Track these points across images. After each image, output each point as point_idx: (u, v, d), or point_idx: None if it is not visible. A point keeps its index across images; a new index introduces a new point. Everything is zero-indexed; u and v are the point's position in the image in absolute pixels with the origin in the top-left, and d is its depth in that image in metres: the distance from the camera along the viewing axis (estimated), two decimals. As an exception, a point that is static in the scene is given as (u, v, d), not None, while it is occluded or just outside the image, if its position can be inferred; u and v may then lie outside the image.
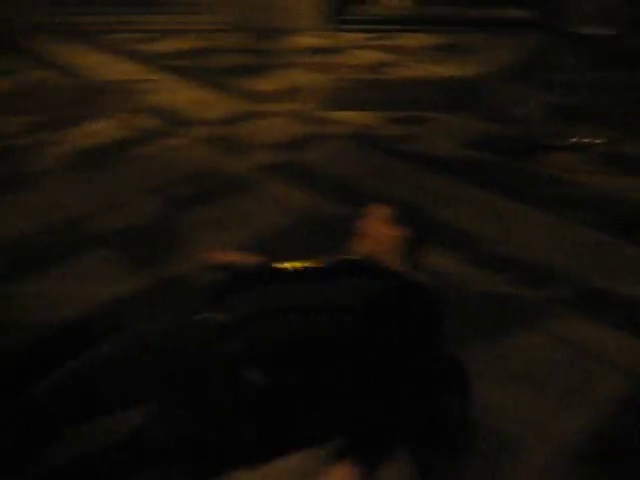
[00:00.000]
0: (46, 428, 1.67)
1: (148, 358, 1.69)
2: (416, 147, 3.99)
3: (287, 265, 1.96)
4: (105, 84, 5.27)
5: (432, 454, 1.81)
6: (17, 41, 6.57)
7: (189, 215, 3.29)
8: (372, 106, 4.65)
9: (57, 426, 1.69)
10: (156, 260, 2.91)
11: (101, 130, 4.39)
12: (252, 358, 1.67)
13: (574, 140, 3.94)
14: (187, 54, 6.02)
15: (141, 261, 2.91)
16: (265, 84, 5.14)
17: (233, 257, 2.43)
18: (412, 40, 6.24)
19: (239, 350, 1.67)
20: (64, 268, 2.88)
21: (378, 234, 2.17)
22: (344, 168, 3.74)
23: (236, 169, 3.77)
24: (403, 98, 4.80)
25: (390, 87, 5.02)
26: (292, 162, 3.83)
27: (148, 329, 1.82)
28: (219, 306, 1.82)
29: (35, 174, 3.81)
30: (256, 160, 3.87)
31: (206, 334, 1.71)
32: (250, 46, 6.18)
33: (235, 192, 3.48)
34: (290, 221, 3.20)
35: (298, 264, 1.96)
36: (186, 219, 3.26)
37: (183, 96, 4.96)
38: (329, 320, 1.76)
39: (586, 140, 3.94)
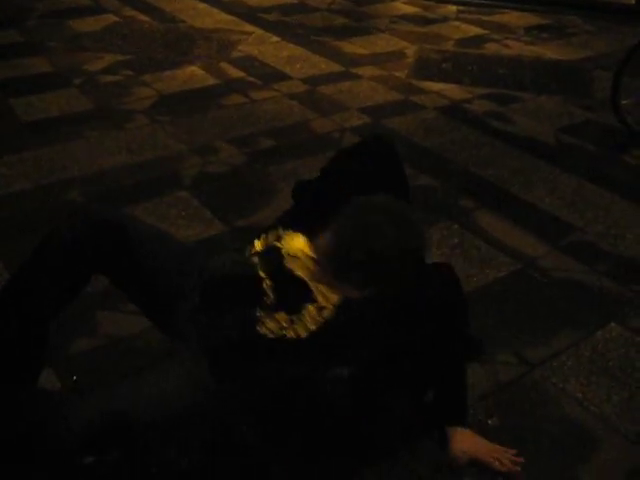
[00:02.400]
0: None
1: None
2: (507, 126, 3.87)
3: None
4: (199, 31, 5.27)
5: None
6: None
7: (271, 167, 3.28)
8: (465, 80, 4.52)
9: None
10: (233, 208, 2.92)
11: (190, 76, 4.41)
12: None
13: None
14: (283, 10, 5.97)
15: (218, 208, 2.93)
16: (359, 47, 5.06)
17: None
18: (509, 17, 6.01)
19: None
20: (145, 204, 2.93)
21: None
22: (430, 139, 3.66)
23: (322, 128, 3.73)
24: (498, 75, 4.64)
25: (485, 63, 4.86)
26: (379, 127, 3.76)
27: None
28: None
29: (121, 112, 3.87)
30: (343, 121, 3.82)
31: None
32: (346, 8, 6.09)
33: (319, 150, 3.44)
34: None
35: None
36: (267, 171, 3.25)
37: (275, 51, 4.92)
38: None
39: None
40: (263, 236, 1.75)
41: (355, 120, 3.84)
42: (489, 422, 1.93)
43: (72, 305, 1.75)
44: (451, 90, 4.34)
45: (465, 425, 1.85)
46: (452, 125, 3.85)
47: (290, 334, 1.63)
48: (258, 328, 1.63)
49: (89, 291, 1.90)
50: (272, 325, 1.63)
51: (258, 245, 1.73)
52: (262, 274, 1.66)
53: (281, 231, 1.73)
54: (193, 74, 4.44)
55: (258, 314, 1.63)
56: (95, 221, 1.70)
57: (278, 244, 1.70)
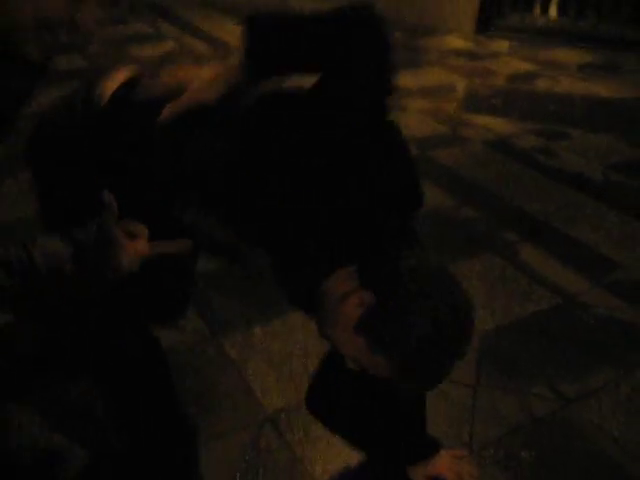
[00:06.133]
0: None
1: None
2: (554, 161, 3.86)
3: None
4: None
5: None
6: (168, 9, 6.89)
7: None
8: (514, 115, 4.53)
9: None
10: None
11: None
12: None
13: None
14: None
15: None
16: (409, 79, 5.12)
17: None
18: (562, 54, 6.01)
19: None
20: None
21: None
22: (476, 171, 3.68)
23: (368, 157, 3.78)
24: (547, 111, 4.65)
25: (535, 99, 4.87)
26: (425, 158, 3.80)
27: None
28: None
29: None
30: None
31: None
32: (399, 41, 6.17)
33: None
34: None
35: None
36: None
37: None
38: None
39: None
40: None
41: (402, 151, 3.88)
42: (521, 454, 1.92)
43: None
44: (499, 125, 4.36)
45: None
46: (498, 159, 3.87)
47: None
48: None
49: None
50: None
51: None
52: None
53: None
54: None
55: None
56: None
57: None
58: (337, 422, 1.75)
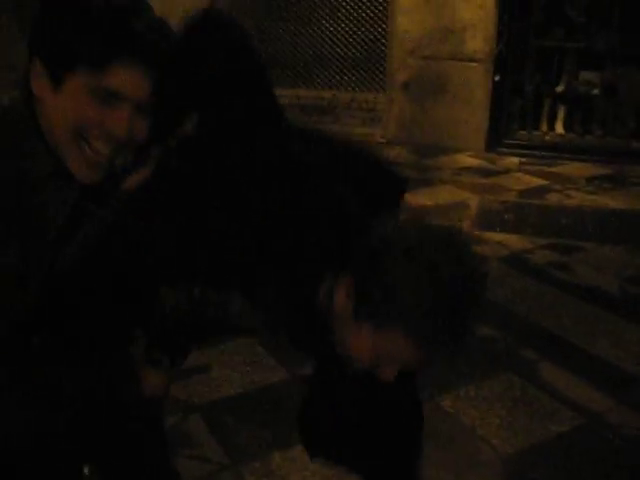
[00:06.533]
0: None
1: None
2: (569, 276, 3.89)
3: None
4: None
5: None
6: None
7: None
8: (527, 230, 4.61)
9: None
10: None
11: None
12: None
13: None
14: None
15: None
16: (423, 198, 5.25)
17: None
18: (571, 168, 6.15)
19: None
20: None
21: None
22: (492, 289, 3.69)
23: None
24: (559, 225, 4.73)
25: (546, 213, 4.97)
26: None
27: None
28: None
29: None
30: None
31: None
32: (411, 161, 6.37)
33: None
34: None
35: None
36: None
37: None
38: None
39: None
40: None
41: (417, 269, 3.93)
42: None
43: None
44: (513, 240, 4.43)
45: None
46: (514, 275, 3.90)
47: None
48: None
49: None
50: None
51: None
52: None
53: None
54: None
55: None
56: None
57: None
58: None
